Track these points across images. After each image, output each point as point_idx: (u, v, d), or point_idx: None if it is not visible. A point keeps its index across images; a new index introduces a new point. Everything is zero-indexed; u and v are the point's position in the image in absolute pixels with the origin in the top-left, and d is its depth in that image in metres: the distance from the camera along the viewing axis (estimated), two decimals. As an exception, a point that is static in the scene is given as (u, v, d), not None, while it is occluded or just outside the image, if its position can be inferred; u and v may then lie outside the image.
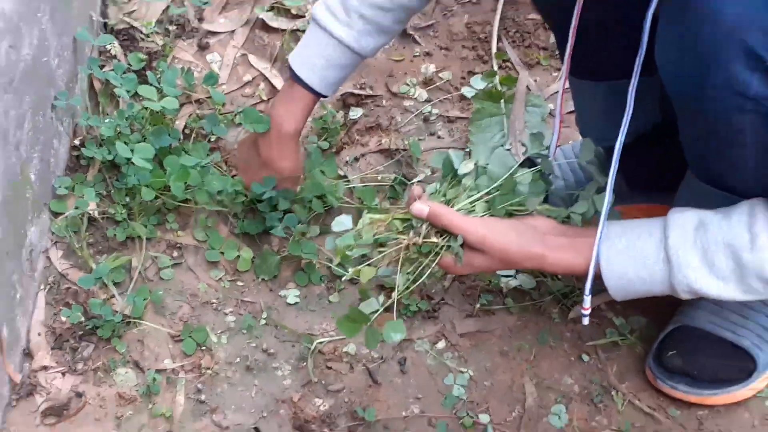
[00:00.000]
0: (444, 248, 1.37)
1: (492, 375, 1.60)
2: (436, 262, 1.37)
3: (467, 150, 1.85)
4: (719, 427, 1.53)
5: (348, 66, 1.61)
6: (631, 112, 1.32)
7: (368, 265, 1.40)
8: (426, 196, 1.41)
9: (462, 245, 1.35)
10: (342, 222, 1.40)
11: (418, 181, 1.74)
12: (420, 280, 1.39)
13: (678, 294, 1.31)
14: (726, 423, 1.54)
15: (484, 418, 1.53)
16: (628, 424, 1.53)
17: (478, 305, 1.66)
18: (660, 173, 1.61)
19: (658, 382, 1.57)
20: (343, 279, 1.52)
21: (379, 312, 1.39)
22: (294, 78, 1.61)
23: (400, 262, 1.38)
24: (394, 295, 1.37)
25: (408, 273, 1.39)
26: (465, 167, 1.47)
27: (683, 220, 1.30)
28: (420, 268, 1.39)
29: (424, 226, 1.37)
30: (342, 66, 1.60)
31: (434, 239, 1.36)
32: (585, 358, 1.62)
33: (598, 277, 1.34)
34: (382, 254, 1.39)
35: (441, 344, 1.63)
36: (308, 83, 1.60)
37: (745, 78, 1.14)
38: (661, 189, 1.61)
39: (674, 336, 1.58)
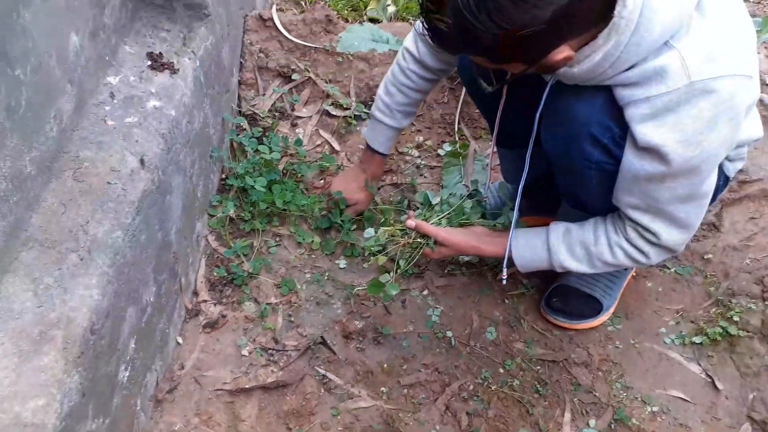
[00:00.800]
0: (425, 245, 1.43)
1: (454, 310, 1.61)
2: (420, 252, 1.44)
3: (441, 184, 1.82)
4: (581, 341, 1.56)
5: (396, 136, 1.62)
6: (527, 168, 1.33)
7: (384, 254, 1.49)
8: (414, 216, 1.45)
9: (435, 242, 1.42)
10: (369, 232, 1.49)
11: (414, 208, 1.74)
12: (412, 262, 1.45)
13: (555, 269, 1.36)
14: (584, 338, 1.57)
15: (449, 333, 1.56)
16: (531, 339, 1.56)
17: (446, 270, 1.68)
18: (548, 199, 1.56)
19: (547, 316, 1.58)
20: (371, 261, 1.57)
21: (389, 281, 1.45)
22: (371, 150, 1.63)
23: (400, 252, 1.45)
24: (398, 270, 1.45)
25: (406, 258, 1.45)
26: (435, 200, 1.54)
27: (557, 228, 1.35)
28: (412, 255, 1.45)
29: (413, 233, 1.43)
30: (394, 137, 1.62)
31: (419, 240, 1.43)
32: (506, 301, 1.63)
33: (511, 259, 1.38)
34: (391, 248, 1.46)
35: (425, 292, 1.64)
36: (381, 151, 1.63)
37: (591, 151, 1.18)
38: (549, 209, 1.58)
39: (556, 289, 1.59)
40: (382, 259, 1.50)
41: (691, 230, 1.24)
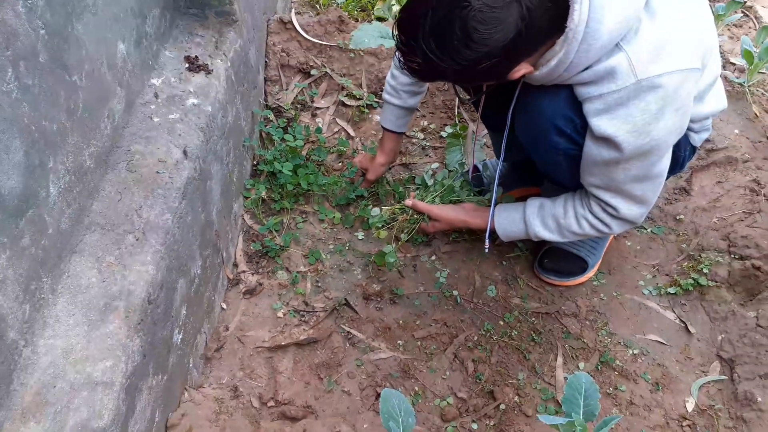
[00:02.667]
0: (422, 220, 1.46)
1: (458, 272, 1.58)
2: (418, 226, 1.47)
3: (444, 163, 1.77)
4: (570, 295, 1.53)
5: (408, 115, 1.53)
6: (503, 154, 1.32)
7: (386, 229, 1.50)
8: (412, 196, 1.48)
9: (430, 218, 1.44)
10: (374, 211, 1.52)
11: (414, 189, 1.67)
12: (410, 235, 1.48)
13: (532, 239, 1.35)
14: (573, 292, 1.54)
15: (455, 292, 1.53)
16: (526, 295, 1.53)
17: (451, 238, 1.64)
18: (536, 174, 1.46)
19: (540, 275, 1.56)
20: (373, 235, 1.57)
21: (391, 251, 1.47)
22: (385, 130, 1.56)
23: (401, 227, 1.48)
24: (399, 242, 1.48)
25: (406, 232, 1.48)
26: (430, 181, 1.56)
27: (533, 203, 1.34)
28: (411, 229, 1.48)
29: (411, 211, 1.46)
30: (404, 116, 1.53)
31: (416, 216, 1.47)
32: (504, 263, 1.60)
33: (494, 231, 1.38)
34: (393, 224, 1.49)
35: (433, 257, 1.61)
36: (392, 129, 1.55)
37: (557, 140, 1.17)
38: (538, 181, 1.57)
39: (547, 252, 1.56)
40: (383, 234, 1.50)
41: (647, 205, 1.22)
